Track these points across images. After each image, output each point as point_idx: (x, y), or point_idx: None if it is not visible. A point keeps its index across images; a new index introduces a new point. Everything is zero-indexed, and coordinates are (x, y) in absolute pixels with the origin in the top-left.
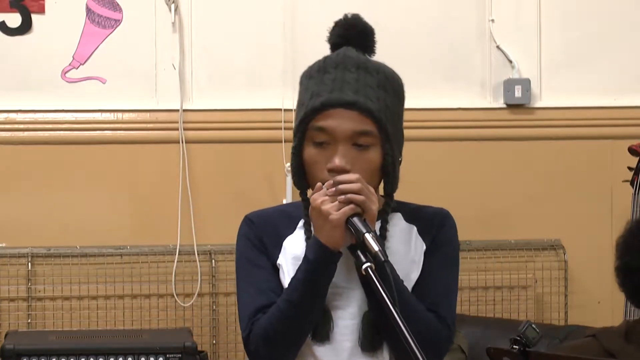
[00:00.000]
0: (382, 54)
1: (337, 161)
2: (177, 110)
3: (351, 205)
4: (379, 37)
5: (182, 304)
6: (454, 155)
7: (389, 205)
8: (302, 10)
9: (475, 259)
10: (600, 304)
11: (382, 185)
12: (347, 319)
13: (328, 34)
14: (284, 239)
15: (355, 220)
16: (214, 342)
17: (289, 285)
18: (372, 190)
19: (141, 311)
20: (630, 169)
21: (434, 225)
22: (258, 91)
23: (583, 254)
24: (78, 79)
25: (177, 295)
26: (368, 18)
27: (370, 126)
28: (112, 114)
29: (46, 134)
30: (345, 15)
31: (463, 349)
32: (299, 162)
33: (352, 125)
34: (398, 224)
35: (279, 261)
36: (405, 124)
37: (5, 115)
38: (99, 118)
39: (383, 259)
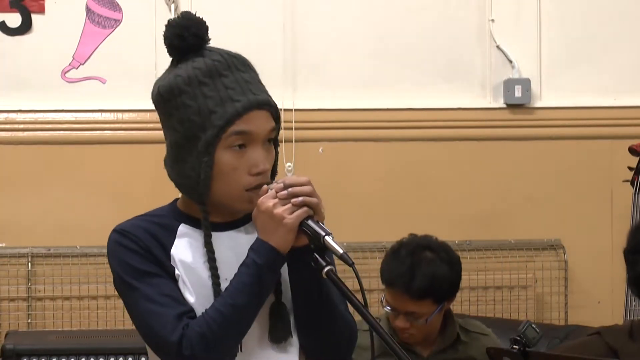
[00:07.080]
0: (383, 54)
1: (263, 165)
2: None
3: (305, 208)
4: (378, 37)
5: None
6: (454, 155)
7: None
8: (302, 10)
9: (475, 259)
10: (600, 304)
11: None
12: None
13: (163, 35)
14: (169, 249)
15: (311, 223)
16: None
17: (231, 289)
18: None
19: None
20: (630, 169)
21: None
22: None
23: (583, 254)
24: (78, 79)
25: None
26: (368, 18)
27: (273, 122)
28: (112, 114)
29: (46, 134)
30: (179, 15)
31: None
32: (210, 174)
33: (268, 124)
34: None
35: (177, 272)
36: (405, 124)
37: (5, 115)
38: (99, 118)
39: (350, 261)
